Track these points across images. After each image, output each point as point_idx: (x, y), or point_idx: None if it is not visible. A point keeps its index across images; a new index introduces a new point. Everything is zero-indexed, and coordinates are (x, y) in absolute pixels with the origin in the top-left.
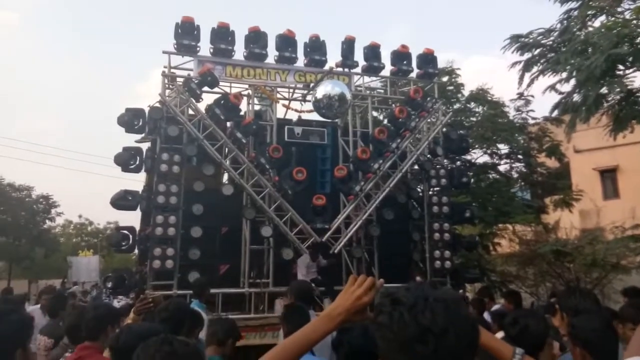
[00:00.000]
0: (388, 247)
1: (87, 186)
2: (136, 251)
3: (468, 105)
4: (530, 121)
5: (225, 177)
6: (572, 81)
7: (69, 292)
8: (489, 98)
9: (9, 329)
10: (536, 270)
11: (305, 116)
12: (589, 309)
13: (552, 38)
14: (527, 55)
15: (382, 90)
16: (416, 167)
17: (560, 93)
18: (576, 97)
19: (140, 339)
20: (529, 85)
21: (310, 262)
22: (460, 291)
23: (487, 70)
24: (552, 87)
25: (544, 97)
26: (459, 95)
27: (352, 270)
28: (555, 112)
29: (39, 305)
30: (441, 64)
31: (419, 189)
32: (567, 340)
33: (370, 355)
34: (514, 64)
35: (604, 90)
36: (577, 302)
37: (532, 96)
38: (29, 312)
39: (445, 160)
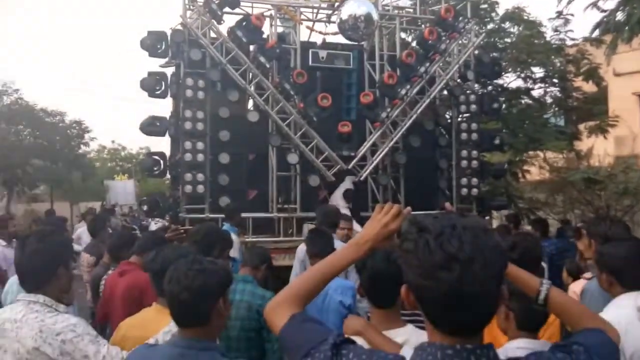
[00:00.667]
0: (414, 175)
1: (116, 112)
2: (168, 176)
3: (502, 25)
4: (569, 42)
5: (250, 103)
6: None
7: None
8: (525, 17)
9: (52, 247)
10: (565, 197)
11: (330, 39)
12: (618, 236)
13: None
14: None
15: (411, 10)
16: (445, 92)
17: (603, 11)
18: (619, 16)
19: (172, 262)
20: (569, 2)
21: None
22: (487, 218)
23: None
24: (594, 4)
25: (584, 16)
26: (493, 14)
27: (378, 198)
28: (596, 33)
29: (85, 227)
30: None
31: (447, 116)
32: (593, 265)
33: (393, 279)
34: None
35: None
36: (607, 229)
37: (572, 15)
38: (78, 232)
39: (475, 85)
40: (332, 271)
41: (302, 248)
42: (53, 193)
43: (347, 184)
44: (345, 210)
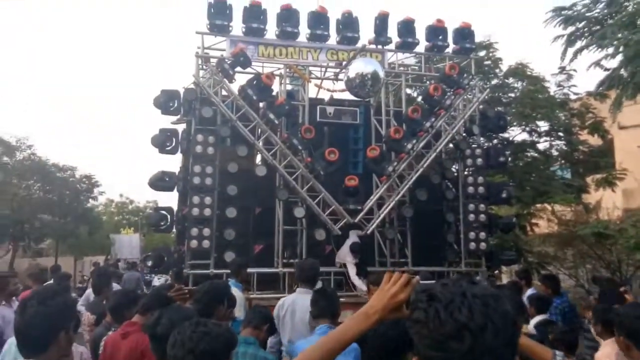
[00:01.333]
0: (421, 229)
1: (127, 166)
2: (174, 230)
3: (506, 80)
4: (572, 97)
5: (259, 158)
6: (619, 56)
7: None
8: (529, 73)
9: (53, 311)
10: (575, 251)
11: (337, 95)
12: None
13: (597, 10)
14: (570, 29)
15: (416, 67)
16: (451, 146)
17: (606, 69)
18: (623, 73)
19: (176, 325)
20: (571, 60)
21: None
22: (496, 272)
23: (530, 42)
24: (597, 63)
25: (587, 71)
26: (497, 70)
27: (384, 252)
28: (601, 89)
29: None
30: (478, 38)
31: (453, 169)
32: None
33: (397, 350)
34: (557, 37)
35: None
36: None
37: (575, 70)
38: (87, 293)
39: (481, 139)
40: (342, 343)
41: (279, 302)
42: (58, 247)
43: (353, 237)
44: (352, 266)
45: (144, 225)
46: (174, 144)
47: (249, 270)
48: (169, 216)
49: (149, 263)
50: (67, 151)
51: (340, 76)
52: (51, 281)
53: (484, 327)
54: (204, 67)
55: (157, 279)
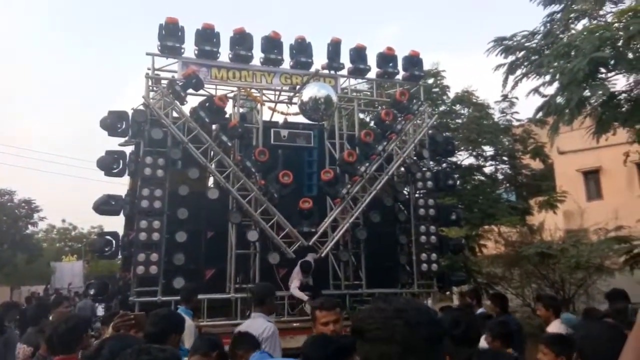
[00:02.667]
0: (375, 251)
1: (70, 191)
2: (120, 256)
3: (453, 107)
4: (515, 123)
5: (211, 180)
6: (556, 84)
7: (54, 297)
8: (474, 100)
9: None
10: (522, 271)
11: (291, 119)
12: None
13: (535, 41)
14: (511, 58)
15: (368, 93)
16: (402, 169)
17: (544, 96)
18: (559, 100)
19: (117, 356)
20: (513, 87)
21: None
22: (447, 293)
23: (473, 70)
24: (536, 90)
25: (528, 99)
26: (445, 97)
27: (339, 274)
28: (539, 115)
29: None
30: (427, 66)
31: (405, 192)
32: None
33: None
34: (498, 66)
35: (586, 93)
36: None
37: (517, 98)
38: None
39: (431, 163)
40: None
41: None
42: None
43: (307, 258)
44: (296, 281)
45: (88, 252)
46: (121, 166)
47: (200, 296)
48: (114, 241)
49: (92, 291)
50: (5, 174)
51: (294, 100)
52: None
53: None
54: (155, 88)
55: (101, 307)
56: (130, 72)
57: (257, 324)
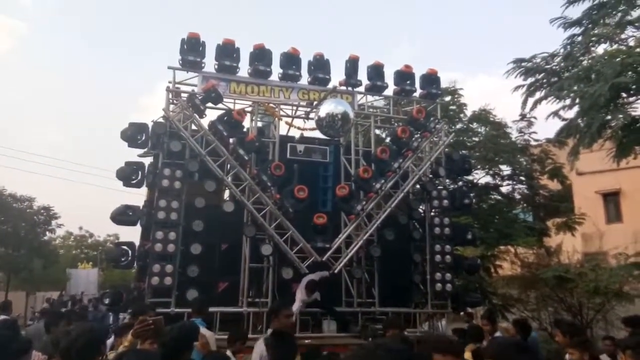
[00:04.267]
0: (389, 268)
1: (88, 199)
2: (135, 266)
3: (470, 125)
4: (533, 143)
5: (227, 193)
6: (575, 107)
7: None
8: (492, 119)
9: (7, 355)
10: (538, 294)
11: (307, 134)
12: None
13: (555, 63)
14: (530, 80)
15: (385, 110)
16: (418, 187)
17: (564, 119)
18: (580, 123)
19: None
20: (531, 109)
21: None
22: (461, 314)
23: (491, 90)
24: (556, 113)
25: (546, 121)
26: (462, 115)
27: (352, 292)
28: (560, 138)
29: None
30: (444, 83)
31: (420, 210)
32: None
33: None
34: (517, 87)
35: (607, 117)
36: None
37: (535, 118)
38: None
39: (447, 181)
40: None
41: (261, 348)
42: (9, 281)
43: (313, 276)
44: (298, 300)
45: (104, 260)
46: (139, 177)
47: (212, 309)
48: (130, 251)
49: (106, 301)
50: (26, 181)
51: (311, 115)
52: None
53: None
54: (175, 101)
55: (122, 317)
56: (150, 83)
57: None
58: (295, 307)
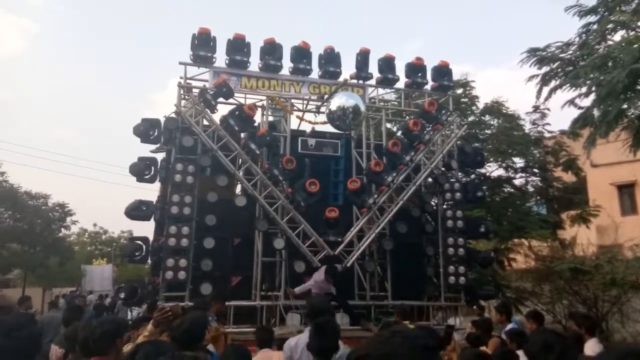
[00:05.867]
0: (401, 262)
1: (102, 195)
2: (149, 261)
3: (483, 118)
4: (547, 134)
5: (239, 188)
6: (592, 96)
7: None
8: (504, 111)
9: (19, 344)
10: (552, 287)
11: (319, 128)
12: None
13: (570, 52)
14: (545, 69)
15: (396, 103)
16: (430, 180)
17: (580, 108)
18: (596, 112)
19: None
20: (546, 98)
21: (325, 281)
22: (474, 307)
23: (503, 83)
24: (571, 102)
25: (562, 110)
26: (474, 107)
27: (364, 285)
28: (575, 127)
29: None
30: (456, 76)
31: (433, 203)
32: None
33: None
34: (531, 77)
35: (624, 105)
36: None
37: (548, 109)
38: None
39: (459, 174)
40: None
41: (290, 343)
42: (26, 278)
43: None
44: (307, 285)
45: (118, 256)
46: (152, 172)
47: (226, 303)
48: (144, 246)
49: (122, 295)
50: (41, 178)
51: (322, 109)
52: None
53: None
54: (186, 96)
55: (136, 312)
56: (160, 80)
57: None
58: (300, 287)
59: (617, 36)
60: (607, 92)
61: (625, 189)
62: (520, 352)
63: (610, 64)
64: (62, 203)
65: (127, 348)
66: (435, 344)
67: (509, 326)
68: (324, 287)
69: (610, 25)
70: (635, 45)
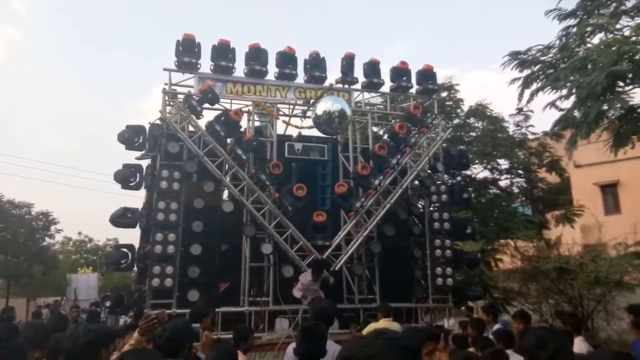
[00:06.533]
0: (389, 264)
1: (86, 203)
2: (135, 269)
3: (467, 120)
4: (530, 136)
5: (226, 193)
6: (572, 98)
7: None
8: (488, 113)
9: (7, 354)
10: (539, 286)
11: (305, 132)
12: None
13: (551, 55)
14: (526, 72)
15: (382, 106)
16: (416, 183)
17: (561, 110)
18: (576, 114)
19: None
20: (528, 101)
21: (312, 282)
22: (462, 309)
23: (487, 85)
24: (552, 104)
25: (543, 112)
26: (459, 110)
27: (352, 288)
28: (557, 128)
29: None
30: (440, 79)
31: (419, 205)
32: None
33: None
34: (514, 80)
35: (604, 107)
36: None
37: (532, 111)
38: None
39: (445, 176)
40: None
41: (288, 351)
42: (9, 288)
43: (306, 274)
44: (312, 290)
45: (103, 264)
46: (137, 179)
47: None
48: (129, 254)
49: (108, 303)
50: (24, 187)
51: (308, 114)
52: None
53: None
54: (171, 103)
55: (123, 320)
56: (145, 87)
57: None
58: (296, 292)
59: (596, 39)
60: (586, 93)
61: (608, 189)
62: (508, 352)
63: (589, 66)
64: (46, 212)
65: (114, 357)
66: (417, 345)
67: (496, 326)
68: (312, 290)
69: (589, 29)
70: (613, 48)
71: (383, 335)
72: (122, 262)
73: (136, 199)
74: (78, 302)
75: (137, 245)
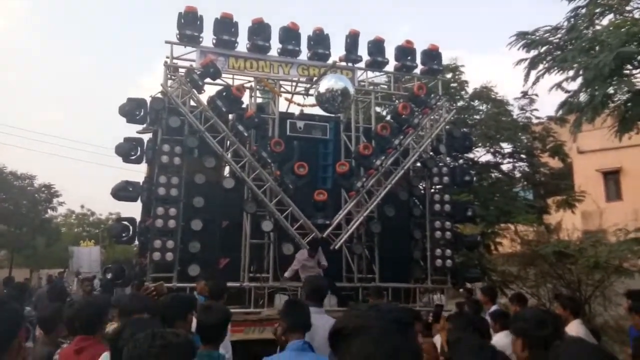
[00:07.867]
0: (389, 245)
1: (90, 177)
2: (137, 242)
3: (472, 103)
4: (534, 120)
5: (227, 170)
6: (579, 80)
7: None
8: (493, 96)
9: (4, 318)
10: (537, 271)
11: (307, 110)
12: None
13: (558, 36)
14: (533, 53)
15: (385, 86)
16: (418, 164)
17: (567, 91)
18: (582, 97)
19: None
20: (534, 83)
21: (309, 258)
22: (461, 291)
23: (492, 68)
24: (559, 85)
25: (548, 97)
26: (463, 92)
27: (352, 267)
28: (560, 112)
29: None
30: (445, 61)
31: (421, 187)
32: None
33: None
34: (520, 61)
35: (611, 89)
36: None
37: (536, 95)
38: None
39: (447, 158)
40: None
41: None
42: (13, 259)
43: (303, 252)
44: (307, 267)
45: (105, 237)
46: (139, 153)
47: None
48: (131, 227)
49: (109, 276)
50: (27, 158)
51: (311, 91)
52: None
53: None
54: (173, 76)
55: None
56: (148, 62)
57: (318, 319)
58: (288, 272)
59: (606, 20)
60: (593, 75)
61: (610, 176)
62: (503, 333)
63: (597, 47)
64: (49, 184)
65: (112, 327)
66: (409, 319)
67: (493, 308)
68: (309, 266)
69: (598, 10)
70: (622, 29)
71: (376, 307)
72: (124, 235)
73: (138, 173)
74: (82, 275)
75: (138, 219)
